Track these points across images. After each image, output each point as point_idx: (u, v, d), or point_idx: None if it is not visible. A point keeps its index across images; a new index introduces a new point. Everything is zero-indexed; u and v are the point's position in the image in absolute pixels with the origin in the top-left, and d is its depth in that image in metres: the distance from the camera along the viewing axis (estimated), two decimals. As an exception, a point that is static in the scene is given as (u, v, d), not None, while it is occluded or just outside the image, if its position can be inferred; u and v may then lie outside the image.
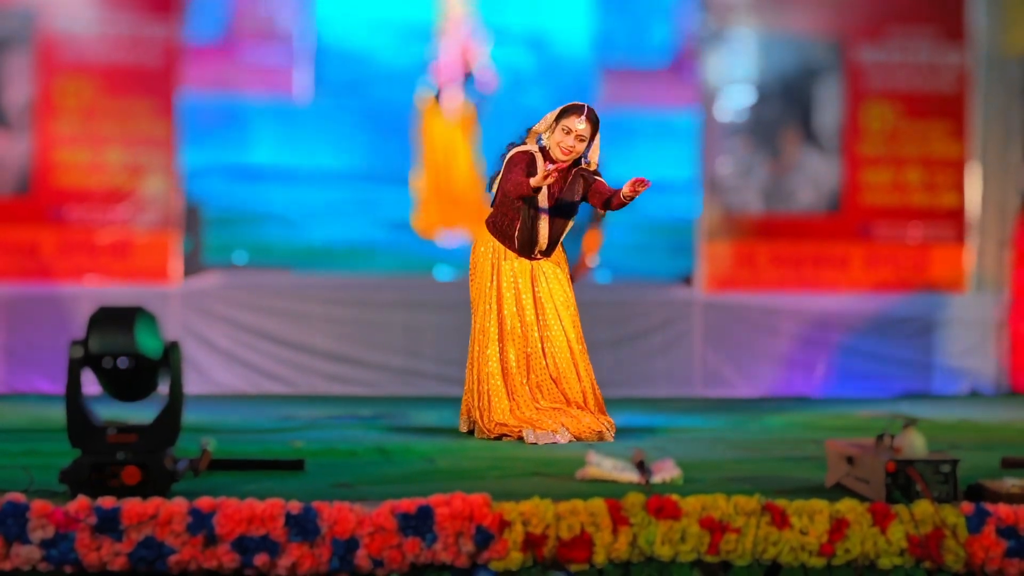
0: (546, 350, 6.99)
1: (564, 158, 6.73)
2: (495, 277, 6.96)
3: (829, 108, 10.89)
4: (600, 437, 7.01)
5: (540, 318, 6.98)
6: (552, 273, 7.02)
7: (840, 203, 10.89)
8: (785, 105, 10.86)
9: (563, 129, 6.72)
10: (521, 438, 6.91)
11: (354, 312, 10.60)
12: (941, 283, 10.95)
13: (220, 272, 11.08)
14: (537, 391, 6.99)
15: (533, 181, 6.57)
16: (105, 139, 10.43)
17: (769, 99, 10.85)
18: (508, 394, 6.96)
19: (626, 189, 6.61)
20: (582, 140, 6.72)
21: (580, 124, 6.68)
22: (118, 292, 10.13)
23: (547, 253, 6.98)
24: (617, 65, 13.64)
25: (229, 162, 13.27)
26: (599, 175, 6.92)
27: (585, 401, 7.04)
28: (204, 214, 11.35)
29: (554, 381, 7.00)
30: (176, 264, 10.46)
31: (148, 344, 5.10)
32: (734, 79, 10.87)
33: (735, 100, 10.88)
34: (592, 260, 11.09)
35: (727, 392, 10.57)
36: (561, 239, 7.04)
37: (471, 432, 7.28)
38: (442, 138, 12.69)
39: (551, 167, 6.53)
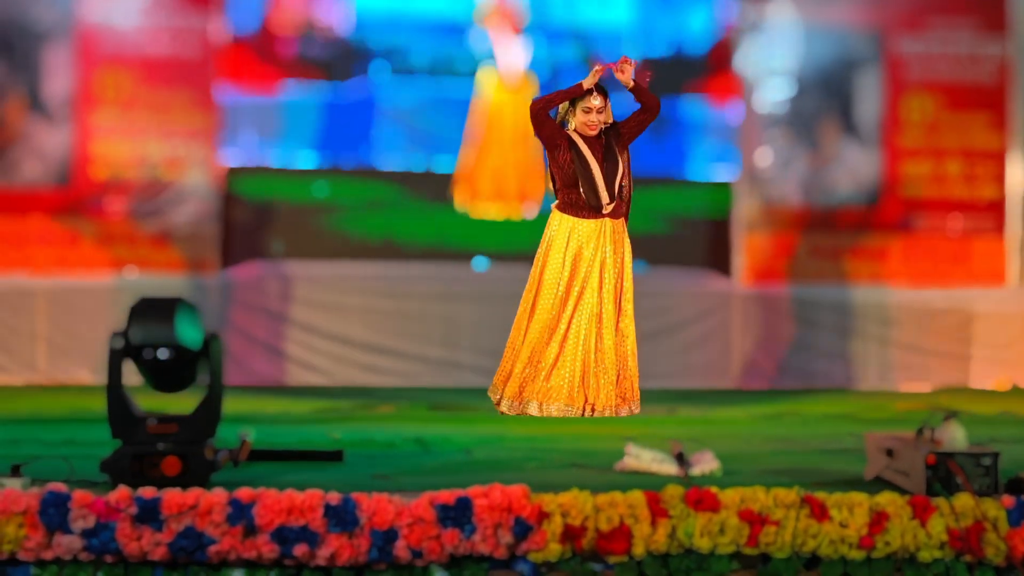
0: (601, 323, 7.25)
1: (593, 133, 7.10)
2: (569, 243, 7.23)
3: (869, 100, 10.83)
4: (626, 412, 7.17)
5: (603, 285, 7.23)
6: (621, 247, 7.28)
7: (879, 195, 10.83)
8: (824, 97, 10.81)
9: (583, 110, 7.23)
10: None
11: (391, 304, 10.61)
12: (981, 275, 10.88)
13: (258, 264, 11.11)
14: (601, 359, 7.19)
15: (584, 82, 6.94)
16: (144, 131, 10.48)
17: (808, 91, 10.80)
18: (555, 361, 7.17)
19: (624, 77, 6.96)
20: (601, 111, 7.17)
21: (596, 101, 7.19)
22: (158, 283, 10.17)
23: (613, 204, 7.20)
24: (656, 53, 13.61)
25: (268, 155, 13.30)
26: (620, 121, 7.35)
27: (625, 371, 7.21)
28: (244, 206, 11.38)
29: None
30: (215, 255, 10.49)
31: (188, 335, 5.13)
32: (773, 71, 10.82)
33: (774, 92, 10.84)
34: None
35: (765, 384, 10.53)
36: (620, 191, 7.25)
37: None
38: (497, 111, 12.59)
39: (598, 66, 7.08)
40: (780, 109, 10.82)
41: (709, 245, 11.81)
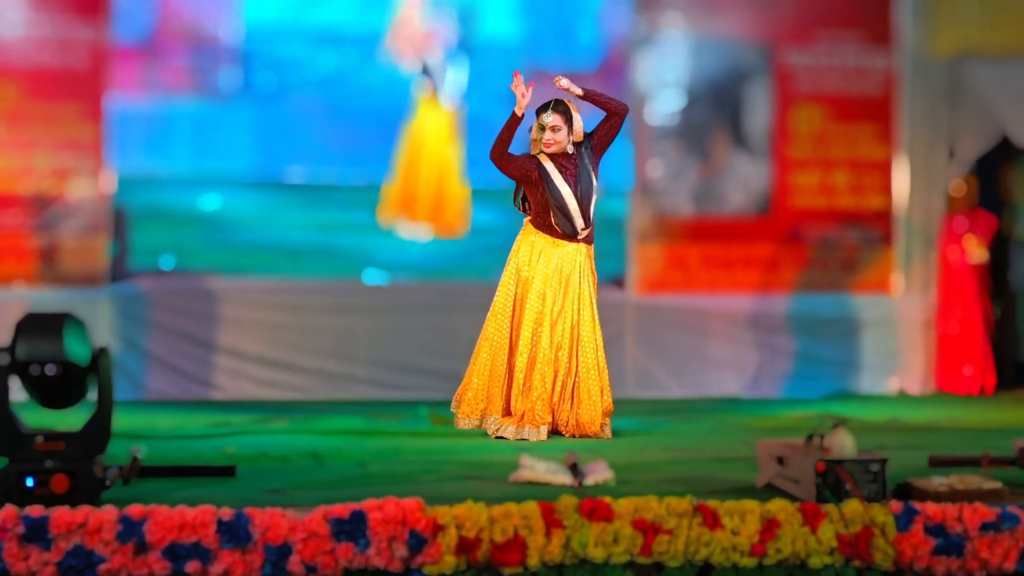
0: (579, 342, 7.24)
1: (548, 151, 7.14)
2: (536, 263, 7.19)
3: (758, 111, 10.96)
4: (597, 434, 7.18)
5: (573, 310, 7.22)
6: (587, 271, 7.27)
7: (769, 205, 10.96)
8: (714, 108, 10.92)
9: (538, 127, 7.26)
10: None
11: (285, 317, 10.54)
12: (868, 284, 11.04)
13: (148, 277, 10.98)
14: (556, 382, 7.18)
15: (515, 110, 7.21)
16: (32, 143, 10.31)
17: (699, 102, 10.90)
18: (524, 381, 7.15)
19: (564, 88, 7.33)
20: (556, 130, 7.26)
21: (548, 118, 7.39)
22: (46, 297, 10.02)
23: (588, 229, 7.17)
24: (546, 67, 13.66)
25: (156, 165, 13.19)
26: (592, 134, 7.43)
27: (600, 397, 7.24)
28: (131, 218, 11.24)
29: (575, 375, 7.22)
30: (104, 269, 10.35)
31: (76, 350, 5.06)
32: (664, 83, 10.91)
33: (665, 103, 10.93)
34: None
35: (659, 393, 10.60)
36: (592, 212, 7.37)
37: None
38: (425, 130, 12.57)
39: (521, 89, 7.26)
40: (671, 120, 10.91)
41: (602, 255, 11.86)
